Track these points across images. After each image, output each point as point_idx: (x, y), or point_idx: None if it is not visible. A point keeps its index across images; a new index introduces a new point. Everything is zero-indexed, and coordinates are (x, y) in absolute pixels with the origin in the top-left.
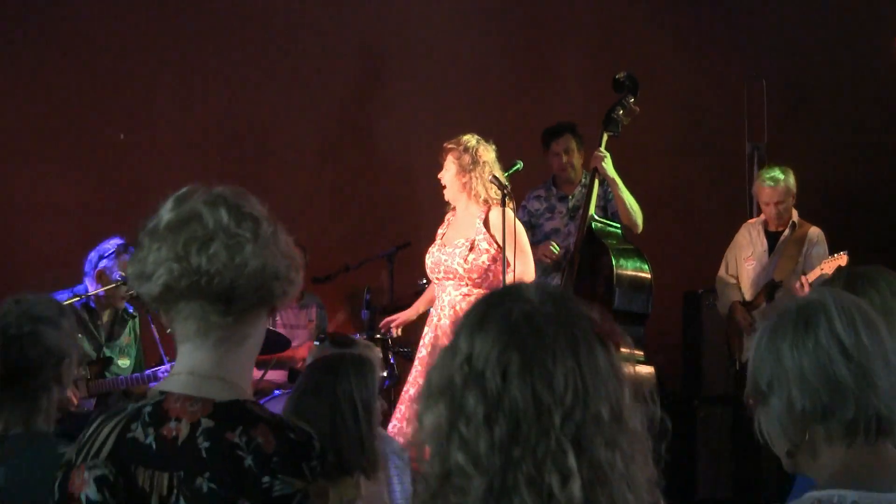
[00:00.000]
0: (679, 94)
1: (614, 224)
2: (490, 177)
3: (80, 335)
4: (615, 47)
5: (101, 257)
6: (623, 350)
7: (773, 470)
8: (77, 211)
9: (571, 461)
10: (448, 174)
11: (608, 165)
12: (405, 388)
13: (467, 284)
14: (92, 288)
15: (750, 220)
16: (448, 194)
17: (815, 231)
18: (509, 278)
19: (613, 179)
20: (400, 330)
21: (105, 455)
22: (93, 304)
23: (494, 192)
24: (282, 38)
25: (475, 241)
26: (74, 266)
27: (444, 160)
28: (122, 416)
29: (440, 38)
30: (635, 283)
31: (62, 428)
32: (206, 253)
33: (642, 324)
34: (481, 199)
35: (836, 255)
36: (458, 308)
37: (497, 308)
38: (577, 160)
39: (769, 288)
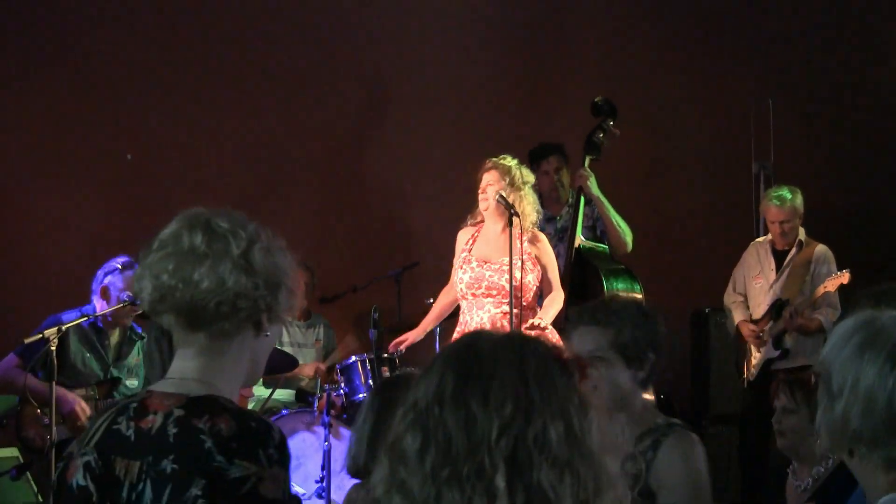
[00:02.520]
0: (685, 114)
1: (601, 245)
2: (497, 196)
3: (88, 354)
4: (619, 69)
5: (105, 274)
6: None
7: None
8: (85, 230)
9: (500, 481)
10: (494, 189)
11: (593, 184)
12: None
13: (509, 303)
14: (99, 307)
15: (758, 239)
16: (486, 211)
17: (821, 249)
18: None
19: (599, 199)
20: (403, 348)
21: (93, 444)
22: (100, 324)
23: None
24: (288, 61)
25: (524, 260)
26: (83, 285)
27: (486, 175)
28: (114, 409)
29: (445, 60)
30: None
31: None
32: (169, 270)
33: None
34: (521, 222)
35: (838, 273)
36: (498, 325)
37: (445, 351)
38: (565, 179)
39: (776, 306)
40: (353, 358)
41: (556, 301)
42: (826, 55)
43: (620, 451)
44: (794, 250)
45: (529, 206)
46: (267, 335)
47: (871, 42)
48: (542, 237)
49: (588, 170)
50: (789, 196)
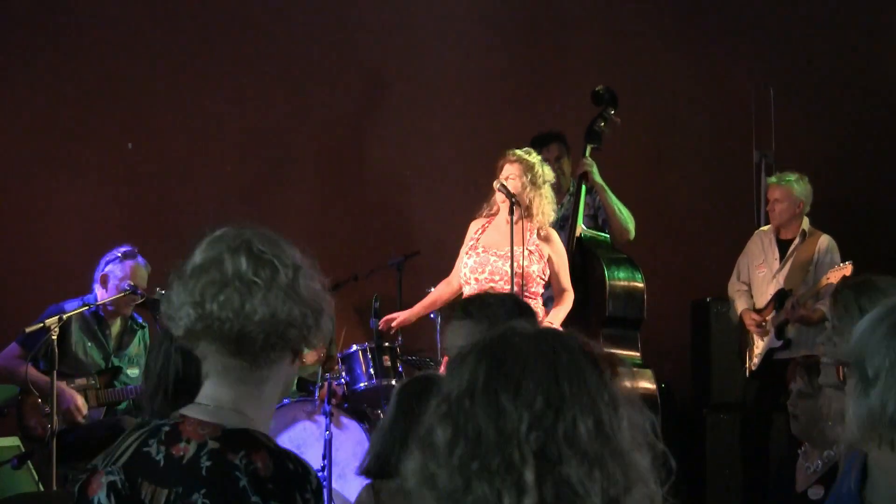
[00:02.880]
0: (686, 102)
1: (602, 234)
2: (498, 185)
3: (89, 344)
4: (620, 58)
5: (106, 263)
6: (615, 352)
7: (782, 477)
8: (86, 219)
9: (529, 475)
10: (514, 187)
11: (595, 173)
12: None
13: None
14: (100, 295)
15: (762, 228)
16: (503, 202)
17: (825, 239)
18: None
19: (602, 187)
20: (398, 333)
21: (121, 464)
22: (101, 314)
23: (502, 201)
24: (289, 52)
25: (531, 251)
26: (84, 275)
27: (509, 167)
28: (146, 430)
29: (444, 51)
30: (629, 291)
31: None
32: (219, 300)
33: (637, 328)
34: (536, 218)
35: (841, 265)
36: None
37: (480, 341)
38: (566, 167)
39: (779, 296)
40: (354, 347)
41: (565, 302)
42: (827, 43)
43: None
44: (797, 240)
45: (548, 205)
46: (302, 362)
47: (873, 29)
48: (556, 237)
49: (590, 158)
50: (792, 178)
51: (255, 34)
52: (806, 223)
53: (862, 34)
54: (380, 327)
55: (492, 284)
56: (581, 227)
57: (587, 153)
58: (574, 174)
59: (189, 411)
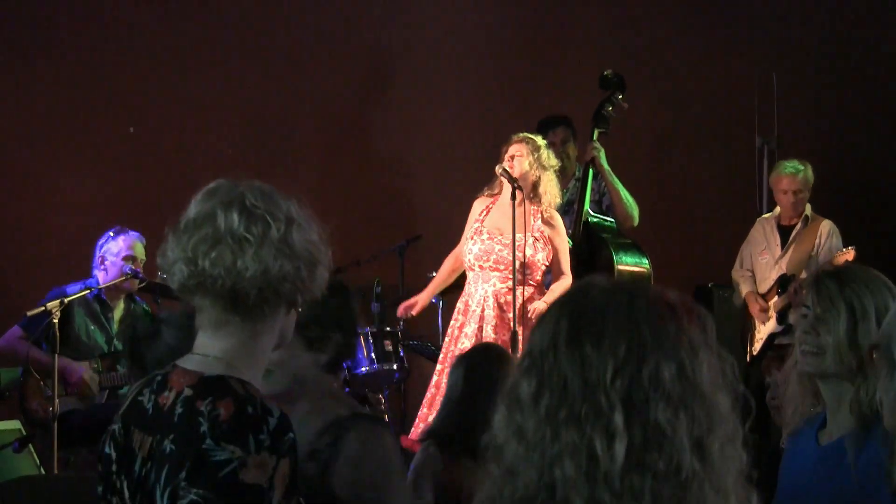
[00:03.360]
0: (689, 88)
1: (608, 219)
2: (500, 170)
3: (92, 327)
4: (624, 42)
5: (101, 245)
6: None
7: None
8: (88, 203)
9: (618, 419)
10: (521, 165)
11: (602, 159)
12: (431, 385)
13: (514, 278)
14: (101, 278)
15: (764, 215)
16: (501, 178)
17: (827, 224)
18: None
19: (608, 172)
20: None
21: (120, 413)
22: (104, 297)
23: (507, 186)
24: (290, 34)
25: (535, 238)
26: (86, 259)
27: (516, 146)
28: (144, 380)
29: (448, 33)
30: (635, 277)
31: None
32: (210, 257)
33: None
34: (544, 198)
35: (844, 249)
36: (502, 301)
37: (559, 301)
38: (572, 152)
39: (781, 281)
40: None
41: (562, 285)
42: (830, 28)
43: (300, 447)
44: (799, 225)
45: (553, 188)
46: (298, 310)
47: (875, 15)
48: (559, 220)
49: (598, 143)
50: (802, 167)
51: (257, 16)
52: (808, 209)
53: (864, 20)
54: (399, 314)
55: (497, 273)
56: (588, 212)
57: (595, 137)
58: (581, 159)
59: (182, 361)
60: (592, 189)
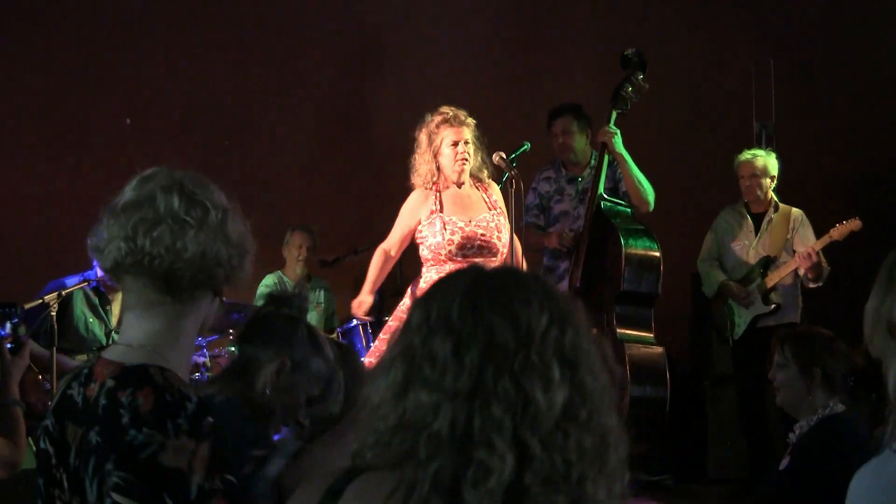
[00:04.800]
0: (686, 73)
1: (623, 203)
2: (497, 157)
3: (91, 319)
4: (622, 25)
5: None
6: (628, 331)
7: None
8: (86, 195)
9: (555, 373)
10: (472, 148)
11: (617, 142)
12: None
13: (495, 261)
14: (100, 271)
15: (728, 206)
16: (467, 168)
17: (798, 212)
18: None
19: (622, 157)
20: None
21: (52, 409)
22: (102, 289)
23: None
24: (281, 19)
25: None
26: (84, 251)
27: (464, 131)
28: (72, 374)
29: (441, 15)
30: (645, 262)
31: None
32: (151, 235)
33: (651, 305)
34: (485, 177)
35: (845, 221)
36: None
37: (449, 279)
38: (577, 142)
39: (763, 263)
40: (355, 321)
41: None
42: (828, 14)
43: None
44: (771, 211)
45: (490, 164)
46: (221, 298)
47: (874, 1)
48: (498, 189)
49: (613, 127)
50: (762, 153)
51: (251, 5)
52: (775, 197)
53: (861, 5)
54: (358, 318)
55: (480, 259)
56: (601, 195)
57: (612, 120)
58: (595, 144)
59: (106, 352)
60: (607, 176)
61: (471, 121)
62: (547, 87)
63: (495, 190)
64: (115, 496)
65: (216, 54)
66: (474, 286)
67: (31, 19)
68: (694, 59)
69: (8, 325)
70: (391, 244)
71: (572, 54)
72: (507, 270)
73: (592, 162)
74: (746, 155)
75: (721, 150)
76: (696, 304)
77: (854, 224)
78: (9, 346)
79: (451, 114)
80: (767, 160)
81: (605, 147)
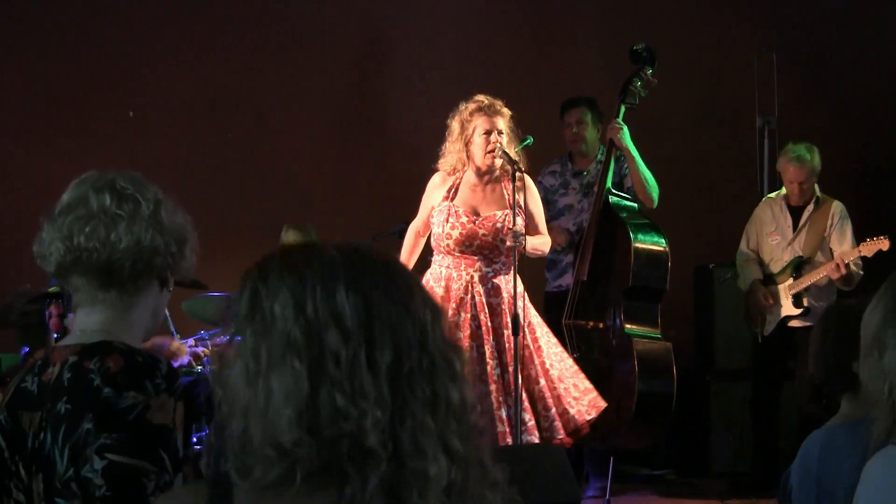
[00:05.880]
0: (689, 67)
1: (630, 198)
2: (499, 151)
3: None
4: (626, 19)
5: None
6: (636, 327)
7: (791, 444)
8: None
9: (458, 365)
10: (505, 139)
11: (625, 137)
12: None
13: (499, 261)
14: None
15: (770, 195)
16: (498, 160)
17: (837, 206)
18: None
19: (630, 152)
20: None
21: (4, 404)
22: None
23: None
24: (287, 13)
25: (517, 213)
26: None
27: (498, 120)
28: (24, 370)
29: (449, 8)
30: (652, 257)
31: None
32: (85, 232)
33: (658, 300)
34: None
35: (875, 238)
36: (489, 286)
37: (310, 261)
38: (589, 133)
39: (795, 263)
40: None
41: (542, 239)
42: (831, 8)
43: None
44: (811, 206)
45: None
46: (170, 290)
47: None
48: (529, 180)
49: (621, 122)
50: (808, 156)
51: (258, 3)
52: (817, 189)
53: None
54: None
55: (480, 257)
56: (609, 190)
57: (621, 115)
58: (604, 140)
59: (61, 341)
60: (613, 171)
61: (506, 111)
62: (555, 80)
63: (526, 183)
64: (110, 455)
65: (221, 49)
66: (355, 276)
67: (34, 11)
68: (696, 53)
69: (53, 314)
70: (419, 224)
71: (581, 47)
72: (377, 256)
73: (599, 157)
74: (792, 159)
75: (723, 145)
76: (698, 298)
77: (883, 244)
78: (55, 335)
79: (486, 102)
80: (813, 163)
81: (612, 142)
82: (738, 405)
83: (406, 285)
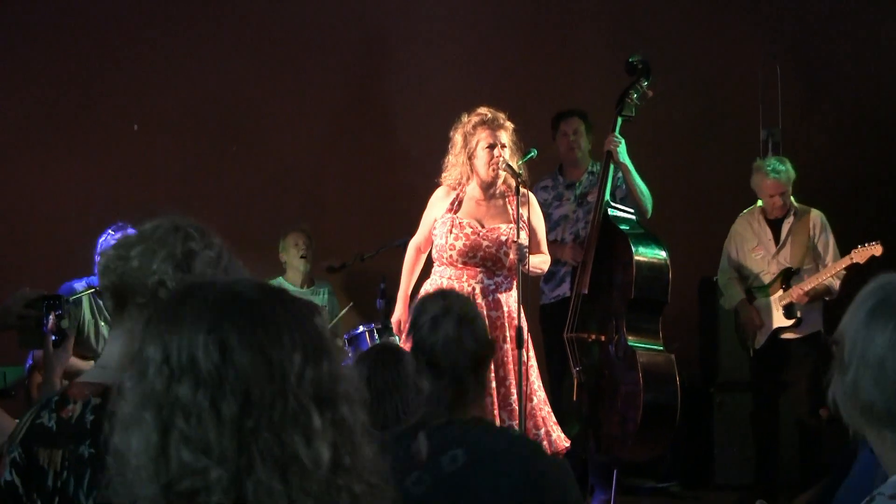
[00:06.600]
0: (693, 79)
1: (629, 210)
2: (503, 164)
3: (102, 324)
4: (629, 29)
5: (100, 244)
6: (639, 339)
7: (793, 456)
8: (92, 202)
9: (316, 420)
10: (508, 152)
11: (622, 151)
12: None
13: (501, 274)
14: None
15: (744, 212)
16: (502, 173)
17: (817, 214)
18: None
19: (626, 165)
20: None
21: (18, 440)
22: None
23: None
24: (288, 19)
25: (521, 227)
26: (89, 255)
27: (501, 134)
28: (37, 405)
29: (453, 16)
30: (654, 269)
31: None
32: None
33: (660, 312)
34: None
35: (867, 244)
36: (490, 298)
37: (187, 300)
38: (584, 143)
39: (785, 275)
40: (361, 328)
41: (542, 258)
42: (834, 21)
43: None
44: (791, 218)
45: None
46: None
47: (880, 6)
48: (533, 197)
49: (619, 136)
50: (783, 168)
51: (256, 10)
52: (793, 200)
53: (869, 13)
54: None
55: (482, 269)
56: (608, 203)
57: (618, 127)
58: (599, 151)
59: (81, 377)
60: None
61: (509, 124)
62: (556, 90)
63: (530, 200)
64: None
65: (224, 58)
66: (218, 319)
67: (37, 22)
68: (700, 65)
69: (51, 318)
70: (420, 239)
71: (583, 57)
72: (252, 296)
73: (589, 168)
74: (769, 172)
75: (727, 157)
76: (702, 310)
77: (876, 249)
78: (53, 338)
79: (488, 115)
80: (789, 173)
81: (609, 154)
82: (742, 417)
83: (273, 329)
